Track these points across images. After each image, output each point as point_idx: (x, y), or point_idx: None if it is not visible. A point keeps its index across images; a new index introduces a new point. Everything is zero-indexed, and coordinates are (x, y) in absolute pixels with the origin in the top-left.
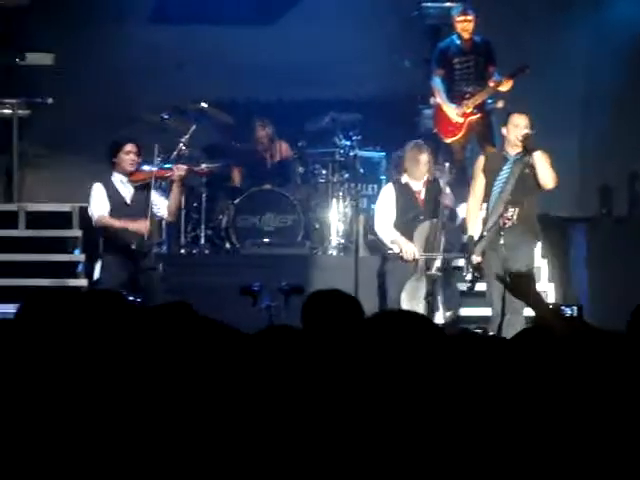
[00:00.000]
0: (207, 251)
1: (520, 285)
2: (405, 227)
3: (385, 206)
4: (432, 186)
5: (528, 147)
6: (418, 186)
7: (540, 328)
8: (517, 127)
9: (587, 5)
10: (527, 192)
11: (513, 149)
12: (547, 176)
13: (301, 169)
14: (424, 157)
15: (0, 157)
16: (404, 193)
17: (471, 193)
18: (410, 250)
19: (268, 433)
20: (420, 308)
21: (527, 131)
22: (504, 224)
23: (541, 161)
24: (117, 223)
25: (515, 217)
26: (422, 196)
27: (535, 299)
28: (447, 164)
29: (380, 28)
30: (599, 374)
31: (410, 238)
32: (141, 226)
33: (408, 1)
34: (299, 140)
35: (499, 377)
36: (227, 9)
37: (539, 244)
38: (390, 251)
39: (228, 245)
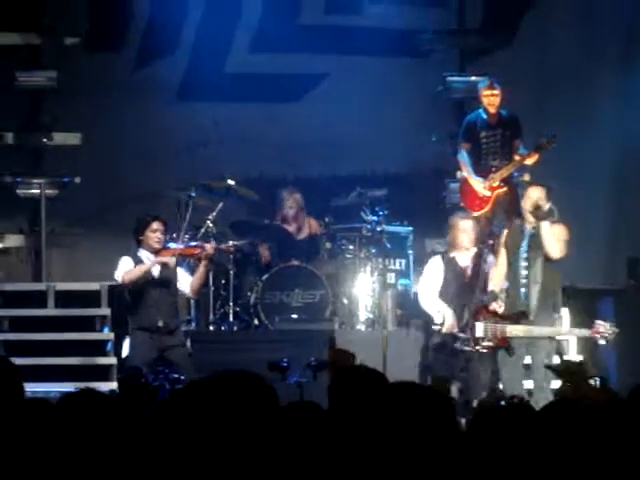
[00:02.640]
0: (236, 328)
1: (574, 374)
2: (449, 302)
3: (431, 277)
4: (479, 261)
5: (538, 217)
6: (465, 261)
7: (567, 401)
8: (530, 199)
9: (615, 74)
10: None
11: (529, 222)
12: (551, 247)
13: (328, 244)
14: (465, 224)
15: (29, 237)
16: (451, 267)
17: (496, 265)
18: (451, 323)
19: None
20: (454, 385)
21: (535, 201)
22: None
23: (547, 232)
24: (143, 267)
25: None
26: (469, 271)
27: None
28: (490, 240)
29: (406, 103)
30: (620, 446)
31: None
32: (164, 258)
33: (434, 76)
34: (326, 216)
35: (525, 450)
36: (254, 87)
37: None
38: (435, 324)
39: (256, 321)
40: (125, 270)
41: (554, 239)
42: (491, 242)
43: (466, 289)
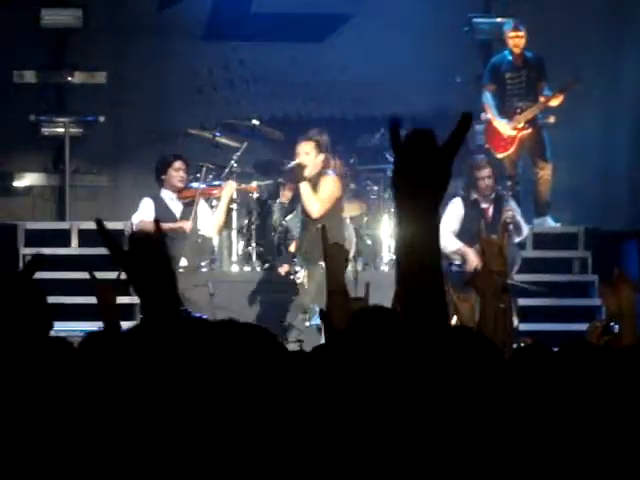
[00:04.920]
0: (258, 269)
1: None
2: (470, 243)
3: (450, 218)
4: (498, 204)
5: (297, 178)
6: (486, 204)
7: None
8: (297, 155)
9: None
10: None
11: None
12: (308, 208)
13: (353, 185)
14: (484, 172)
15: (53, 175)
16: (472, 209)
17: None
18: (475, 260)
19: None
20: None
21: (297, 161)
22: None
23: (304, 192)
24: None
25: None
26: (490, 214)
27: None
28: (509, 182)
29: (431, 44)
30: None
31: None
32: (183, 224)
33: (459, 17)
34: (351, 157)
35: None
36: (279, 27)
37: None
38: (455, 262)
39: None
40: (142, 217)
41: (308, 198)
42: (510, 184)
43: (488, 231)
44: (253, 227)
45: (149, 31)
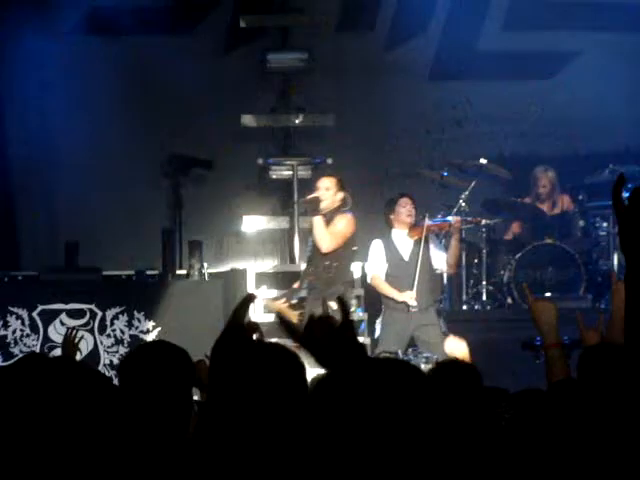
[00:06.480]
0: (489, 307)
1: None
2: None
3: None
4: None
5: (308, 211)
6: None
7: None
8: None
9: None
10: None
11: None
12: (317, 240)
13: (582, 222)
14: None
15: (281, 218)
16: None
17: None
18: None
19: None
20: None
21: (314, 195)
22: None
23: (315, 225)
24: (385, 290)
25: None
26: None
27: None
28: None
29: None
30: None
31: None
32: (406, 297)
33: None
34: (579, 194)
35: None
36: (506, 65)
37: None
38: None
39: (510, 300)
40: (375, 274)
41: (318, 234)
42: None
43: None
44: (483, 265)
45: (374, 72)
